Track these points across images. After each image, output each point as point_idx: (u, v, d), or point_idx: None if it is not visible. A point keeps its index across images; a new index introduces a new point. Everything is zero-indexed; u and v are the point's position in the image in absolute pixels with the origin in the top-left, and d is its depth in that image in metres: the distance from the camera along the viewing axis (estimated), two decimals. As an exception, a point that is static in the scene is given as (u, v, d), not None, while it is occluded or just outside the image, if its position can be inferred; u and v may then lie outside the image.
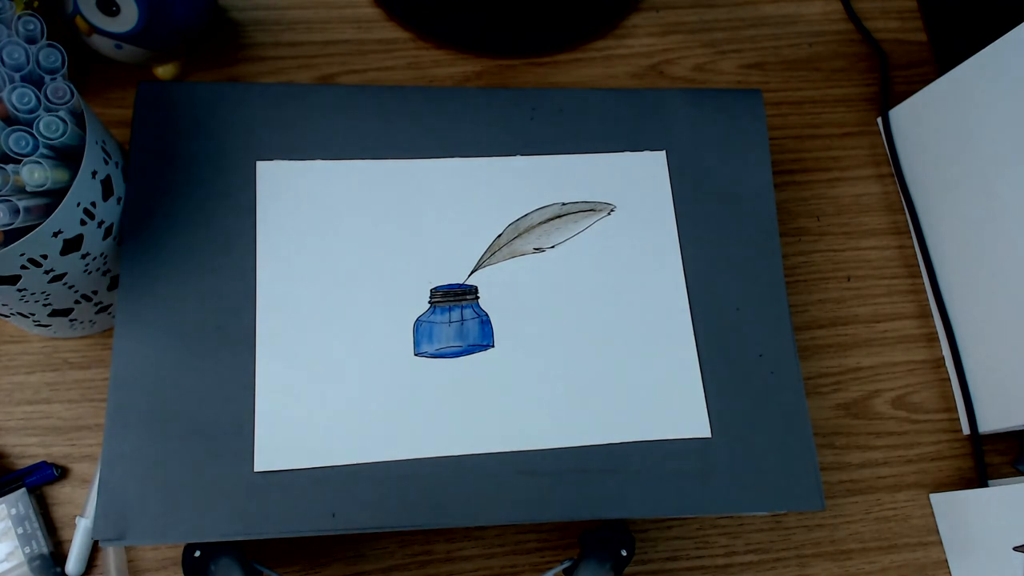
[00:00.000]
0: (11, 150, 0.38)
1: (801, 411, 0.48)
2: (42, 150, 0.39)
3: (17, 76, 0.39)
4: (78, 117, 0.41)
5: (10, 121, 0.40)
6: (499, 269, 0.48)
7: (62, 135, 0.39)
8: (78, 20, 0.50)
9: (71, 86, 0.40)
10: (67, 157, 0.41)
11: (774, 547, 0.53)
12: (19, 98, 0.39)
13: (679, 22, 0.65)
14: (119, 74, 0.56)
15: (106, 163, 0.43)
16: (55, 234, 0.40)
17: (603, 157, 0.51)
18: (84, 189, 0.41)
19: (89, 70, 0.56)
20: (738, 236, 0.51)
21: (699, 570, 0.52)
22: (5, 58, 0.39)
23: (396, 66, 0.60)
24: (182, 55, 0.56)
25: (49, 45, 0.40)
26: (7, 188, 0.38)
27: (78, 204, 0.41)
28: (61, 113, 0.40)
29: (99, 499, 0.42)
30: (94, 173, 0.42)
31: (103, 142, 0.43)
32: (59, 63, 0.41)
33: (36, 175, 0.38)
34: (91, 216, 0.42)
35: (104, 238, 0.44)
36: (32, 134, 0.39)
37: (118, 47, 0.52)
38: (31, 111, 0.39)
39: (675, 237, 0.50)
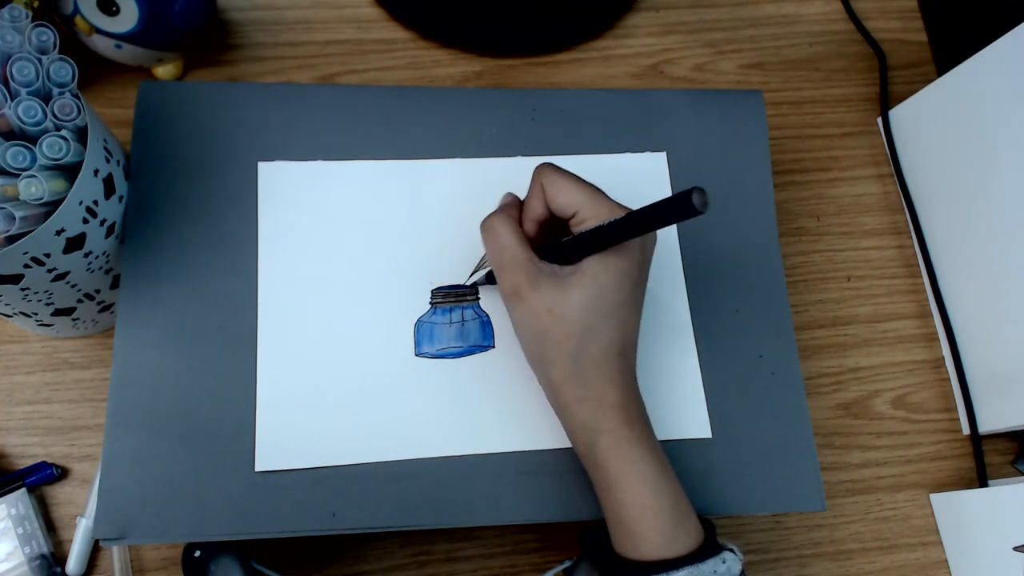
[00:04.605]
0: (8, 164, 0.38)
1: (801, 412, 0.48)
2: (41, 162, 0.39)
3: (24, 91, 0.39)
4: (81, 131, 0.41)
5: (9, 135, 0.40)
6: (500, 269, 0.48)
7: (64, 155, 0.39)
8: (78, 20, 0.50)
9: (78, 103, 0.40)
10: (66, 168, 0.41)
11: (774, 547, 0.53)
12: (25, 111, 0.39)
13: (679, 22, 0.65)
14: (119, 74, 0.56)
15: (108, 161, 0.43)
16: (58, 232, 0.40)
17: (604, 158, 0.51)
18: (86, 187, 0.41)
19: (89, 70, 0.56)
20: (738, 236, 0.51)
21: (699, 570, 0.52)
22: (16, 74, 0.39)
23: (396, 66, 0.60)
24: (182, 55, 0.56)
25: (60, 59, 0.40)
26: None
27: (80, 202, 0.41)
28: (64, 132, 0.40)
29: (99, 499, 0.42)
30: (96, 171, 0.42)
31: (104, 140, 0.43)
32: (69, 78, 0.41)
33: (33, 189, 0.38)
34: (93, 214, 0.42)
35: (106, 236, 0.44)
36: (29, 148, 0.39)
37: (118, 47, 0.52)
38: (36, 124, 0.39)
39: (675, 237, 0.50)
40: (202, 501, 0.42)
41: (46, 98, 0.40)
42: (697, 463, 0.46)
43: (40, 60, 0.40)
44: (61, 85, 0.41)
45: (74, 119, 0.40)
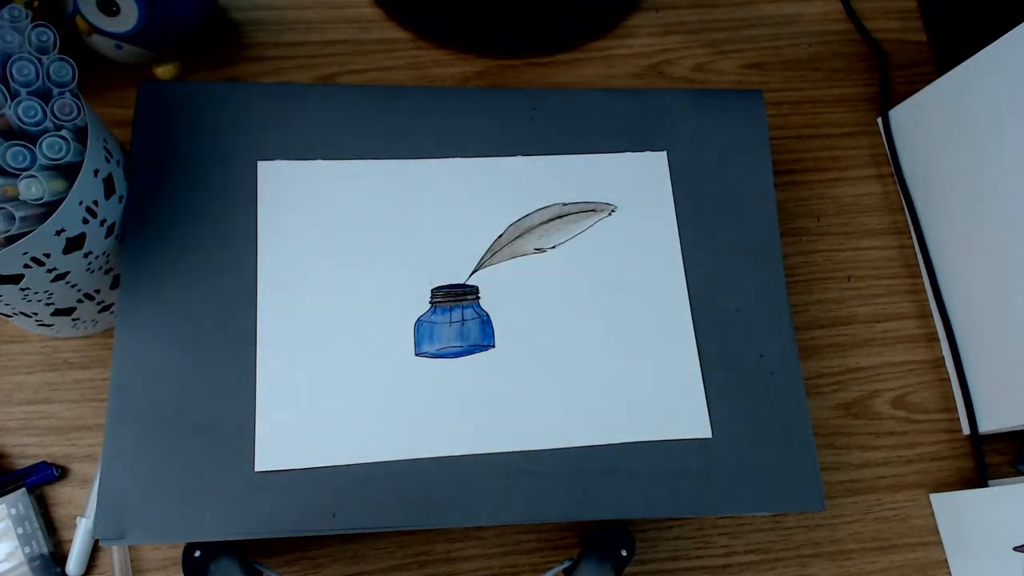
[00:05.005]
0: (8, 165, 0.38)
1: (801, 412, 0.48)
2: (41, 162, 0.39)
3: (24, 91, 0.39)
4: (81, 131, 0.41)
5: (9, 135, 0.40)
6: (500, 269, 0.48)
7: (64, 155, 0.39)
8: (78, 20, 0.50)
9: (78, 103, 0.40)
10: (66, 168, 0.41)
11: (774, 547, 0.53)
12: (25, 111, 0.39)
13: (679, 22, 0.65)
14: (119, 74, 0.56)
15: (108, 161, 0.43)
16: (58, 232, 0.40)
17: (604, 157, 0.51)
18: (86, 187, 0.41)
19: (89, 70, 0.56)
20: (739, 236, 0.51)
21: (699, 570, 0.52)
22: (16, 74, 0.39)
23: (396, 66, 0.60)
24: (182, 55, 0.56)
25: (60, 59, 0.40)
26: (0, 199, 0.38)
27: (80, 202, 0.41)
28: (64, 132, 0.40)
29: (99, 499, 0.42)
30: (96, 172, 0.42)
31: (104, 140, 0.43)
32: (69, 77, 0.41)
33: (33, 189, 0.38)
34: (93, 214, 0.42)
35: (106, 236, 0.44)
36: (29, 148, 0.39)
37: (118, 47, 0.52)
38: (36, 124, 0.39)
39: (676, 237, 0.50)
40: (202, 501, 0.42)
41: (46, 98, 0.40)
42: (697, 463, 0.46)
43: (40, 60, 0.40)
44: (61, 85, 0.41)
45: (74, 119, 0.40)
